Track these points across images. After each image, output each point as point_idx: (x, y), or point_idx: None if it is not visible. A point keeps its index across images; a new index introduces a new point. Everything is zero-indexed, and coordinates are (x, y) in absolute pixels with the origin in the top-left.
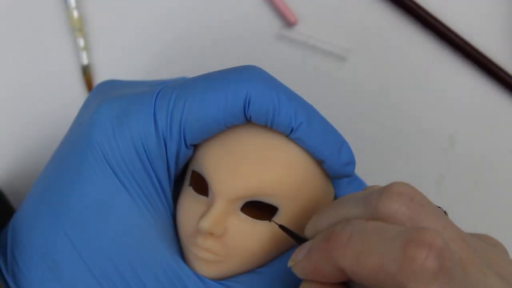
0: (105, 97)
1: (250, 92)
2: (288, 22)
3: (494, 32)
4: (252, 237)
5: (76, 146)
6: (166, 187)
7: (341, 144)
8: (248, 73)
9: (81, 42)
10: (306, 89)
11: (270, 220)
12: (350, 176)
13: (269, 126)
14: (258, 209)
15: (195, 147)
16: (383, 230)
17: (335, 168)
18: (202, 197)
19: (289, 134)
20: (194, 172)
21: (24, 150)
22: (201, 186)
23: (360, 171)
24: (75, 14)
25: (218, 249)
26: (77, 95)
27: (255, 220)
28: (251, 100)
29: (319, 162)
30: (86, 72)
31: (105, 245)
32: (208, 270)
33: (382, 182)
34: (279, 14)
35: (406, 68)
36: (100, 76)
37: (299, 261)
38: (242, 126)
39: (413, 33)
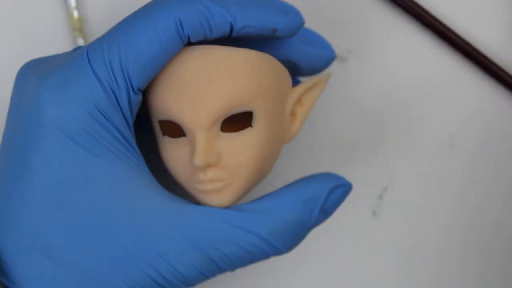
0: (37, 76)
1: (178, 15)
2: None
3: (494, 32)
4: (245, 148)
5: (27, 131)
6: (130, 137)
7: (281, 4)
8: (165, 1)
9: (81, 42)
10: None
11: (251, 125)
12: (303, 25)
13: (209, 36)
14: (236, 122)
15: (147, 96)
16: None
17: (288, 27)
18: (181, 139)
19: (231, 30)
20: (160, 121)
21: None
22: (175, 130)
23: (360, 171)
24: (75, 14)
25: (222, 174)
26: None
27: (238, 132)
28: (182, 20)
29: (272, 32)
30: None
31: (94, 216)
32: (221, 198)
33: (382, 182)
34: None
35: (406, 68)
36: None
37: None
38: (179, 55)
39: (413, 33)
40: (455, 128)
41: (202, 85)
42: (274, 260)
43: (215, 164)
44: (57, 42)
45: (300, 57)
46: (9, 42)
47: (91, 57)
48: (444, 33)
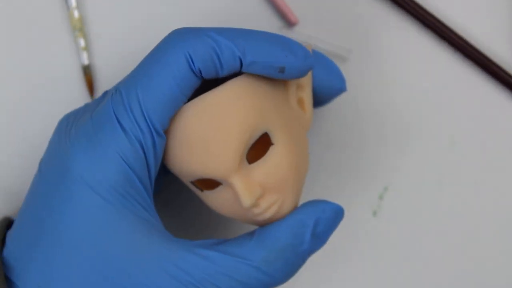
0: (72, 129)
1: (187, 50)
2: (288, 22)
3: (494, 32)
4: (278, 165)
5: (55, 181)
6: (149, 190)
7: (290, 43)
8: (173, 38)
9: (82, 42)
10: None
11: (272, 143)
12: (312, 68)
13: (220, 71)
14: (257, 148)
15: (168, 165)
16: None
17: (296, 67)
18: (220, 187)
19: (241, 65)
20: (192, 182)
21: (23, 150)
22: (210, 183)
23: (360, 170)
24: (76, 14)
25: (274, 197)
26: (78, 96)
27: (265, 155)
28: (192, 55)
29: (280, 71)
30: (87, 72)
31: (106, 269)
32: (284, 214)
33: (382, 182)
34: (279, 14)
35: (406, 68)
36: (100, 76)
37: None
38: (180, 116)
39: (413, 33)
40: (455, 128)
41: (211, 136)
42: None
43: (262, 195)
44: (57, 42)
45: (315, 81)
46: (9, 42)
47: (115, 107)
48: (444, 33)
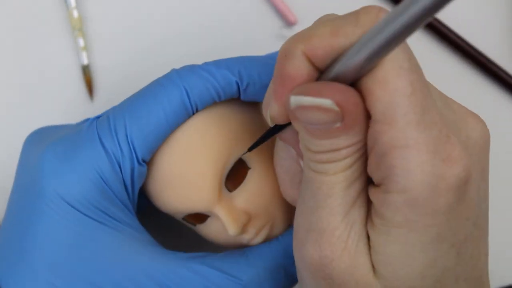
0: (44, 143)
1: (183, 84)
2: (288, 22)
3: (494, 32)
4: (260, 189)
5: (31, 197)
6: (129, 206)
7: (267, 58)
8: (170, 75)
9: (81, 42)
10: None
11: (249, 167)
12: None
13: (217, 99)
14: (235, 175)
15: (158, 206)
16: None
17: None
18: (209, 220)
19: (238, 89)
20: (184, 218)
21: None
22: (199, 216)
23: None
24: (75, 14)
25: (262, 221)
26: (77, 96)
27: (245, 181)
28: (189, 90)
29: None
30: (86, 72)
31: (92, 280)
32: (276, 235)
33: None
34: (279, 14)
35: None
36: (100, 76)
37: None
38: (155, 162)
39: (413, 34)
40: None
41: (186, 171)
42: None
43: (249, 221)
44: (57, 42)
45: None
46: (9, 42)
47: (99, 128)
48: (444, 33)
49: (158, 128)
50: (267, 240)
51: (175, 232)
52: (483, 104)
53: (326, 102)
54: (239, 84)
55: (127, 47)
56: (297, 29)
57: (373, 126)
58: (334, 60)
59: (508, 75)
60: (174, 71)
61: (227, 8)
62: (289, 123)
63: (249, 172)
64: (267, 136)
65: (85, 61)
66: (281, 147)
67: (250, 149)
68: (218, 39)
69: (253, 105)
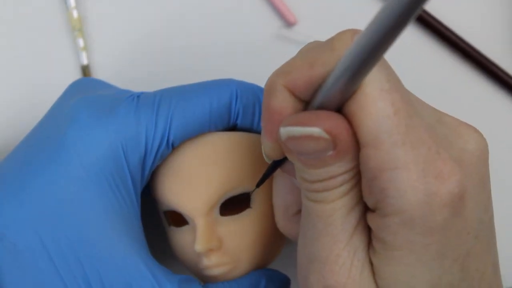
0: (83, 95)
1: (236, 89)
2: (287, 22)
3: (494, 32)
4: (245, 231)
5: (52, 139)
6: (138, 185)
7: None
8: (226, 80)
9: (81, 42)
10: None
11: (250, 206)
12: None
13: (255, 125)
14: (235, 205)
15: (152, 189)
16: None
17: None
18: (185, 227)
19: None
20: (165, 212)
21: None
22: (179, 219)
23: None
24: (75, 14)
25: (226, 259)
26: None
27: (239, 214)
28: (238, 94)
29: None
30: (86, 72)
31: (69, 237)
32: (231, 278)
33: None
34: (278, 14)
35: (405, 68)
36: (99, 76)
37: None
38: (179, 151)
39: (413, 33)
40: None
41: (197, 173)
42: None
43: (217, 249)
44: (57, 42)
45: None
46: (8, 42)
47: (142, 99)
48: (444, 33)
49: (199, 120)
50: (219, 279)
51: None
52: (483, 104)
53: (315, 130)
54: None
55: (127, 47)
56: (297, 29)
57: (361, 150)
58: (317, 90)
59: (508, 75)
60: (231, 79)
61: (227, 8)
62: (286, 157)
63: (247, 210)
64: (269, 173)
65: (85, 61)
66: (279, 177)
67: (257, 186)
68: (218, 39)
69: None
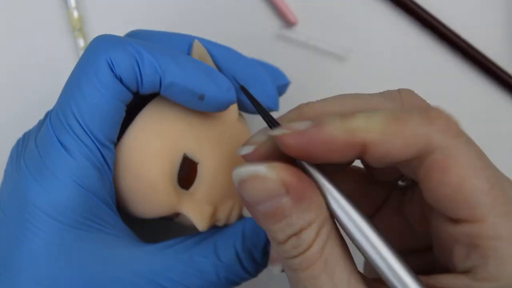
0: (21, 157)
1: (108, 55)
2: (288, 22)
3: (494, 32)
4: (212, 178)
5: (17, 215)
6: (109, 202)
7: (215, 74)
8: (95, 46)
9: (81, 42)
10: (306, 89)
11: (197, 163)
12: (234, 102)
13: (140, 86)
14: (187, 173)
15: (125, 209)
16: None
17: (217, 98)
18: (181, 215)
19: (160, 85)
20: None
21: None
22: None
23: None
24: (75, 14)
25: (228, 205)
26: None
27: (197, 177)
28: (113, 61)
29: (200, 98)
30: None
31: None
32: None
33: None
34: (279, 14)
35: (406, 68)
36: None
37: (301, 130)
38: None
39: (413, 33)
40: None
41: (136, 179)
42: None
43: (215, 209)
44: (57, 42)
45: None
46: (8, 42)
47: (55, 129)
48: (444, 33)
49: (105, 105)
50: (242, 214)
51: (155, 225)
52: (483, 104)
53: (260, 168)
54: (161, 79)
55: None
56: (297, 29)
57: (461, 225)
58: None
59: (508, 75)
60: (97, 40)
61: (227, 8)
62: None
63: (199, 167)
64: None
65: None
66: None
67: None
68: (218, 39)
69: None
